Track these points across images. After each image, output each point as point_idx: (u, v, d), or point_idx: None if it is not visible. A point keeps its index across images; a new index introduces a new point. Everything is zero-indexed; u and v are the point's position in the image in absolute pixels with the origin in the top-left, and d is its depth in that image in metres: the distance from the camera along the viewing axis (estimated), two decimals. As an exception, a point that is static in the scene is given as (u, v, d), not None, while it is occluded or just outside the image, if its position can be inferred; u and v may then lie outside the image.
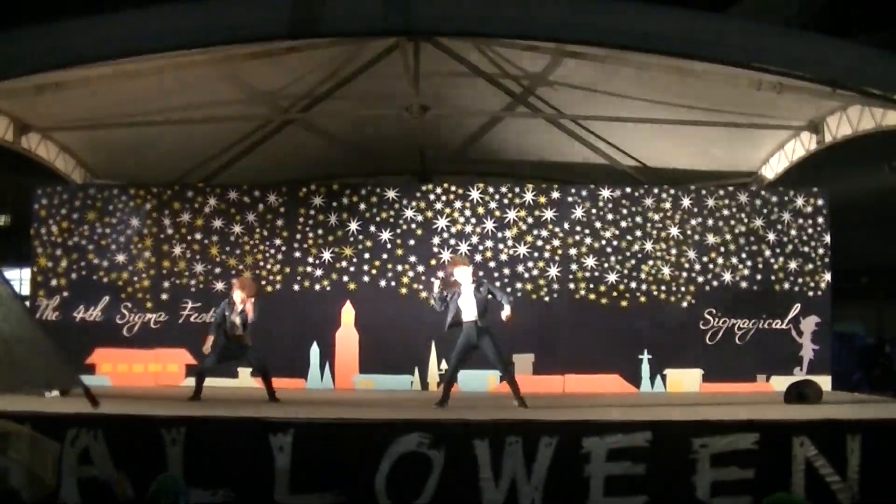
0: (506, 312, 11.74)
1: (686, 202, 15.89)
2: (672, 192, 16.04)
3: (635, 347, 15.54)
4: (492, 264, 15.62)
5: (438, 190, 15.95)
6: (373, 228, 15.74)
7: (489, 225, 15.75)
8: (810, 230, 15.93)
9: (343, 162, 18.33)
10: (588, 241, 15.76)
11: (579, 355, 15.47)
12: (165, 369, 15.56)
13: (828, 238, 15.95)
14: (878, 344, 20.27)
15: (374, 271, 15.67)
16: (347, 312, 15.55)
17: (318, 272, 15.67)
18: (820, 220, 15.98)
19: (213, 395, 12.62)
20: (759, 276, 15.81)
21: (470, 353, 11.98)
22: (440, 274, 11.91)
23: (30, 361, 8.73)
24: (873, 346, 20.09)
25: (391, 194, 15.86)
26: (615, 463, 9.36)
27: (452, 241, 15.69)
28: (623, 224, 15.81)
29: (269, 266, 15.67)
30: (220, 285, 15.47)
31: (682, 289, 15.72)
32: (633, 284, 15.70)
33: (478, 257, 15.59)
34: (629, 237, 15.80)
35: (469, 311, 11.80)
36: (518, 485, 9.30)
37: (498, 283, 15.13)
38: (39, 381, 10.68)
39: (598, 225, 15.79)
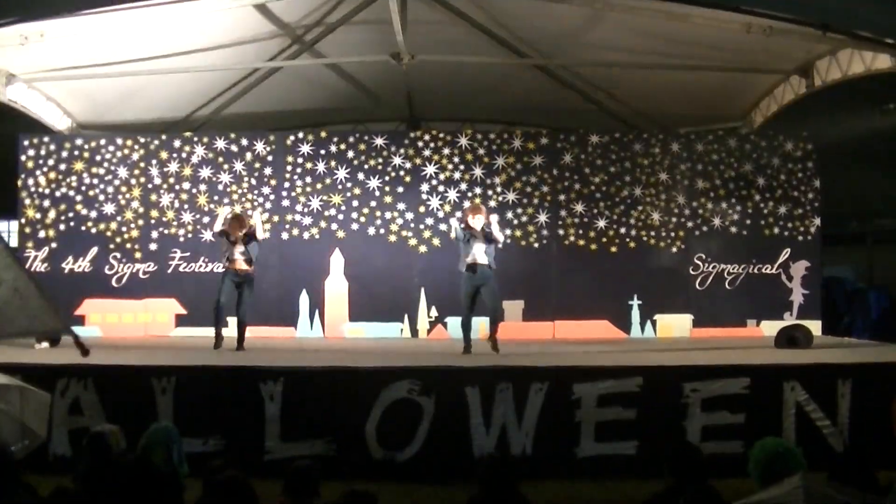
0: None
1: (675, 147, 15.83)
2: (661, 137, 15.99)
3: (625, 293, 15.54)
4: (481, 211, 15.59)
5: (427, 137, 15.88)
6: (361, 176, 15.66)
7: (478, 171, 15.67)
8: (800, 175, 15.89)
9: (331, 109, 18.22)
10: (577, 186, 15.70)
11: (569, 301, 15.51)
12: (155, 319, 15.54)
13: (817, 183, 15.91)
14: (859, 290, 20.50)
15: (362, 219, 15.61)
16: (336, 260, 15.51)
17: (307, 220, 15.60)
18: (809, 164, 15.93)
19: (204, 343, 12.62)
20: (748, 221, 15.78)
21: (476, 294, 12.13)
22: (458, 215, 11.96)
23: (19, 308, 8.71)
24: (854, 290, 20.30)
25: (379, 141, 15.77)
26: (606, 408, 9.42)
27: (441, 188, 15.63)
28: (612, 169, 15.74)
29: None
30: (208, 235, 15.39)
31: (672, 234, 15.70)
32: (623, 230, 15.67)
33: (466, 204, 15.55)
34: (618, 183, 15.74)
35: (482, 255, 11.87)
36: (509, 431, 9.36)
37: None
38: (27, 327, 10.65)
39: (587, 171, 15.73)
